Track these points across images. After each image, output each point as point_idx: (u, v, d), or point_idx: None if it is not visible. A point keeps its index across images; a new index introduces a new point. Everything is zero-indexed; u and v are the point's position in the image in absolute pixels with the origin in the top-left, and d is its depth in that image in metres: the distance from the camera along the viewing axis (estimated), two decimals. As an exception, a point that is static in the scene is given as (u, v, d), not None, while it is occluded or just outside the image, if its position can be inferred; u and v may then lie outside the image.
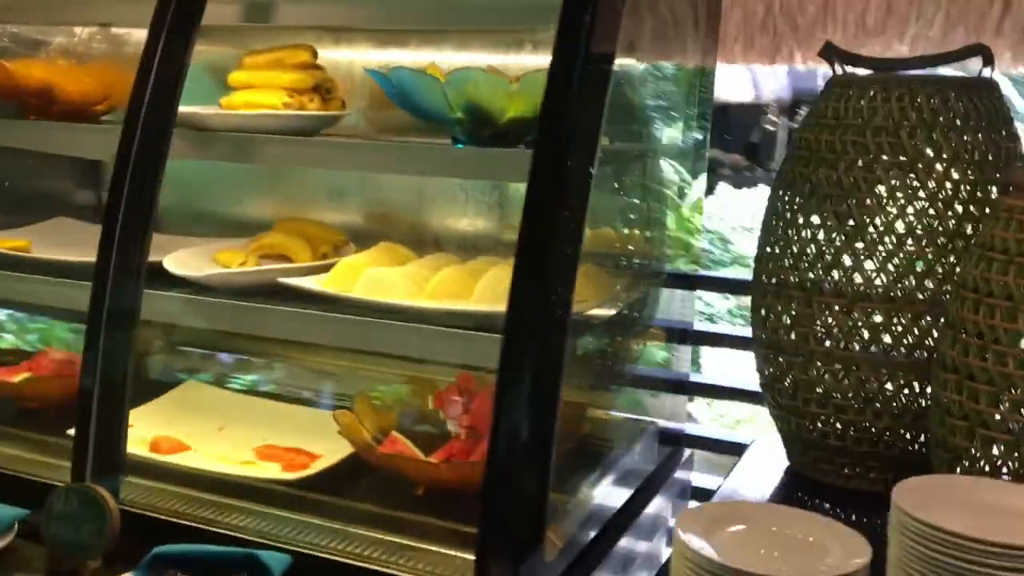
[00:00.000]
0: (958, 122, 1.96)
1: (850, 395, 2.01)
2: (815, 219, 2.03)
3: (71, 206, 2.78)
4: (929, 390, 1.94)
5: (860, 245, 1.98)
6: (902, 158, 1.96)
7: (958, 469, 1.78)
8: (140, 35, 1.99)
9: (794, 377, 2.07)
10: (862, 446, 2.05)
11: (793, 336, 2.07)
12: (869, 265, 1.98)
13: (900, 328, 1.97)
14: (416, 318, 1.84)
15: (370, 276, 2.01)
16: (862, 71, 2.17)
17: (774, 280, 2.09)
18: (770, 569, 1.37)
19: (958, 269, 1.89)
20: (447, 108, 1.92)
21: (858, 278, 1.98)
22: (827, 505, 2.03)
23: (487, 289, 1.98)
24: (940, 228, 1.95)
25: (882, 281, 1.97)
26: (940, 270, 1.95)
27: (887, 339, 1.98)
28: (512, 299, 1.58)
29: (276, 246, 2.34)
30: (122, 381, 1.86)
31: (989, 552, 1.33)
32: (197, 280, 2.05)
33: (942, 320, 1.89)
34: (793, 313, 2.05)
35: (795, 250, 2.05)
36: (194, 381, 2.65)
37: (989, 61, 2.06)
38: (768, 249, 2.12)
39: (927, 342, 1.96)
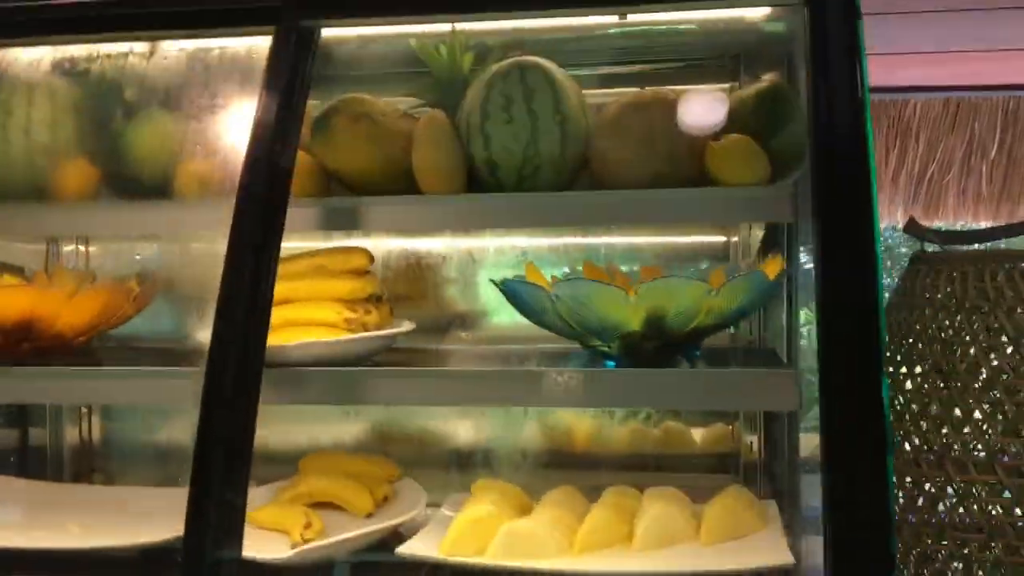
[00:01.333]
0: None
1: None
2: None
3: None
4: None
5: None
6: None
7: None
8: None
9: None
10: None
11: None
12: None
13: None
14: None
15: (510, 532, 1.62)
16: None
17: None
18: None
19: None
20: (565, 324, 1.62)
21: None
22: None
23: (650, 535, 1.66)
24: None
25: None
26: None
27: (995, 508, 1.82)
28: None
29: (320, 494, 1.89)
30: None
31: None
32: (288, 562, 1.57)
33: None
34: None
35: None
36: None
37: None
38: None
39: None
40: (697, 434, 2.15)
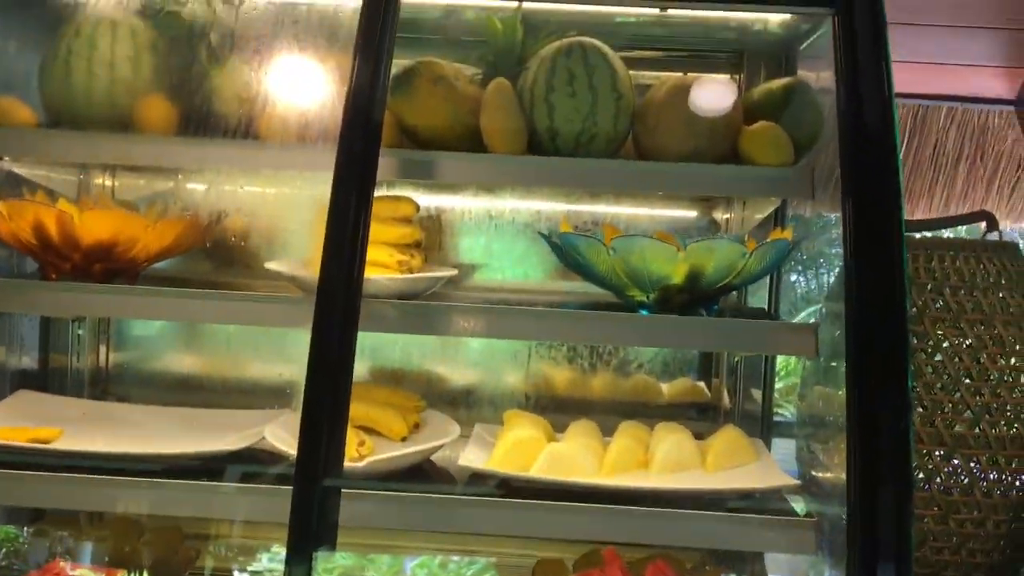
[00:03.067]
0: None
1: (948, 536, 2.17)
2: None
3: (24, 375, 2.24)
4: (1015, 526, 2.17)
5: (956, 395, 2.18)
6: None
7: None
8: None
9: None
10: (954, 583, 2.23)
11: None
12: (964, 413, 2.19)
13: (997, 471, 2.18)
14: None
15: (552, 453, 1.86)
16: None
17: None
18: None
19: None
20: (615, 275, 1.87)
21: (957, 426, 2.18)
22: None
23: (667, 461, 1.93)
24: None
25: (982, 428, 2.19)
26: None
27: (985, 482, 2.19)
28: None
29: (360, 418, 2.07)
30: None
31: None
32: (354, 471, 1.76)
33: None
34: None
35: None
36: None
37: (993, 225, 2.43)
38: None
39: (1021, 481, 2.20)
40: (683, 386, 2.44)
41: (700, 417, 2.42)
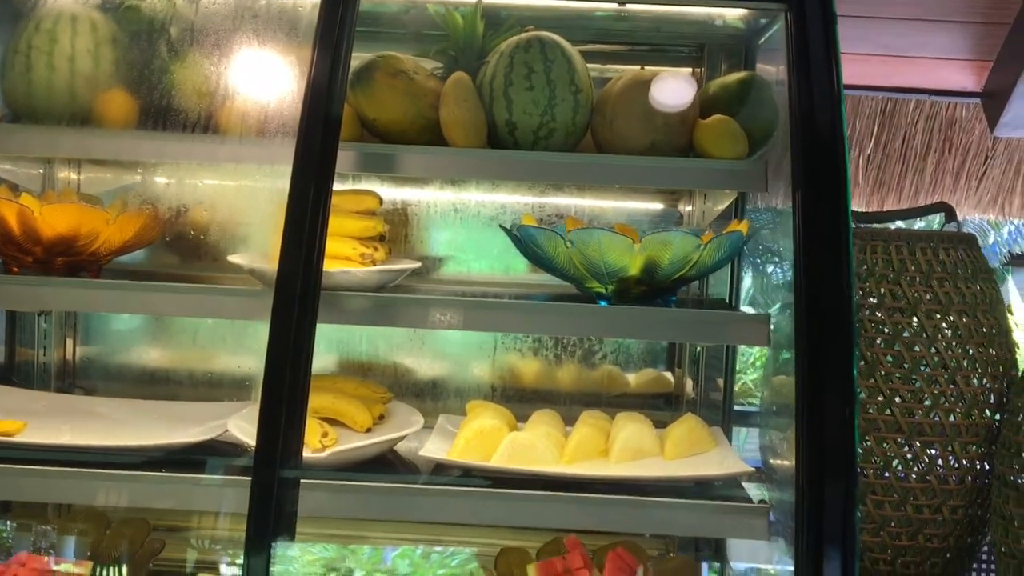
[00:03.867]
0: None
1: (906, 523, 2.21)
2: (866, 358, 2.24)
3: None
4: (970, 512, 2.21)
5: (913, 383, 2.22)
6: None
7: (1020, 570, 2.07)
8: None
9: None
10: (910, 569, 2.26)
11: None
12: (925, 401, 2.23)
13: (953, 458, 2.22)
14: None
15: (513, 441, 1.89)
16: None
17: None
18: None
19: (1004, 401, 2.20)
20: (573, 266, 1.89)
21: (912, 414, 2.21)
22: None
23: (626, 449, 1.95)
24: (977, 367, 2.24)
25: (937, 416, 2.22)
26: (991, 403, 2.21)
27: (940, 469, 2.23)
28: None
29: (325, 410, 2.09)
30: None
31: None
32: (317, 462, 1.78)
33: (993, 446, 2.19)
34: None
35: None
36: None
37: (952, 216, 2.47)
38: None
39: (976, 468, 2.24)
40: (647, 376, 2.47)
41: (664, 407, 2.46)
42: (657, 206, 2.47)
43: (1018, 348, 2.32)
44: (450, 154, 1.89)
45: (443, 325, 1.77)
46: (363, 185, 2.21)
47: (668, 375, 2.50)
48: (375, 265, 2.03)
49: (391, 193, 2.38)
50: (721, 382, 2.33)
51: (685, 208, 2.43)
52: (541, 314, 1.84)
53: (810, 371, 1.55)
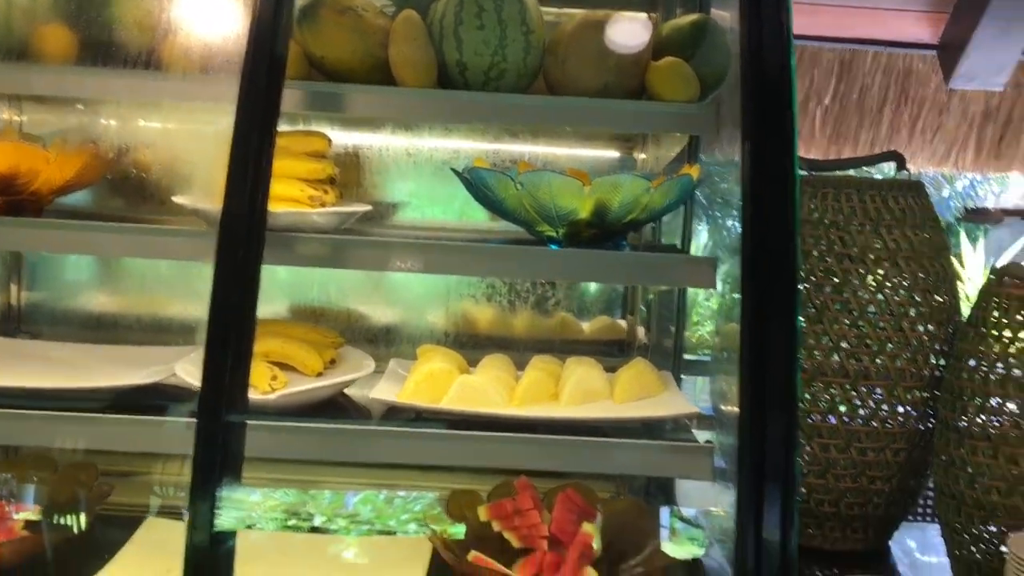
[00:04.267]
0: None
1: (851, 465, 2.25)
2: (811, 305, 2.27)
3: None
4: (913, 455, 2.25)
5: (860, 329, 2.25)
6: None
7: (960, 511, 2.13)
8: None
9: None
10: (853, 510, 2.31)
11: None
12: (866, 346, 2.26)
13: (897, 402, 2.26)
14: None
15: (463, 384, 1.89)
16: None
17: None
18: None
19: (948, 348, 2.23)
20: (523, 209, 1.88)
21: (858, 359, 2.24)
22: (816, 567, 2.25)
23: (576, 391, 1.97)
24: (918, 312, 2.27)
25: (882, 361, 2.25)
26: (935, 349, 2.25)
27: (885, 413, 2.27)
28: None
29: (275, 354, 2.07)
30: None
31: None
32: (265, 405, 1.77)
33: (937, 391, 2.23)
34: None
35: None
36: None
37: (902, 165, 2.49)
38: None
39: (919, 413, 2.28)
40: (600, 323, 2.48)
41: (617, 354, 2.47)
42: (612, 153, 2.46)
43: (964, 296, 2.35)
44: (398, 94, 1.87)
45: (394, 268, 1.75)
46: (314, 128, 2.18)
47: (621, 322, 2.51)
48: (323, 207, 2.01)
49: (343, 138, 2.35)
50: (673, 329, 2.34)
51: (639, 155, 2.43)
52: (491, 256, 1.83)
53: (753, 316, 1.56)
